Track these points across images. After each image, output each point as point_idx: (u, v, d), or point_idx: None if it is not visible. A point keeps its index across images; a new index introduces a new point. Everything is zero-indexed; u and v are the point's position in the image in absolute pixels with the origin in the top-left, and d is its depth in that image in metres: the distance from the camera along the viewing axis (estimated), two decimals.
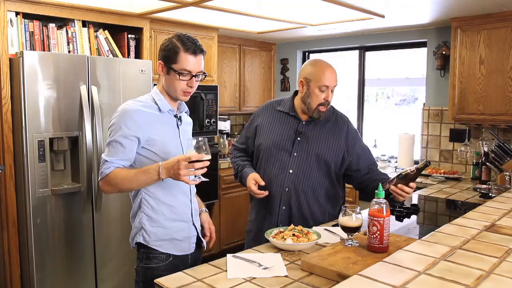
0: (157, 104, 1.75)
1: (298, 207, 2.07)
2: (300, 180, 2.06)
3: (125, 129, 1.66)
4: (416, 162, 3.99)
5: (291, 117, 2.13)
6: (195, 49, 1.70)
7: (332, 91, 2.05)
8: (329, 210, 2.13)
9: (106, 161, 1.68)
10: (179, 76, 1.70)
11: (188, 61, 1.69)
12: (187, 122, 1.92)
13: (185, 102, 1.84)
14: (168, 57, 1.70)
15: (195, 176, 1.62)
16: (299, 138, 2.08)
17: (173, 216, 1.77)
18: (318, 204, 2.09)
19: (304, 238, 1.76)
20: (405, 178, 1.87)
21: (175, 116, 1.81)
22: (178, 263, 1.77)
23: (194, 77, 1.72)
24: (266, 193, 2.03)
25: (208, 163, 1.62)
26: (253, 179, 2.05)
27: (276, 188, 2.07)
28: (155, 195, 1.74)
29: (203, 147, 1.62)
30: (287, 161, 2.07)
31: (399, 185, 1.88)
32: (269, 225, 2.07)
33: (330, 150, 2.08)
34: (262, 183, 2.04)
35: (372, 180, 2.10)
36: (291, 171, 2.06)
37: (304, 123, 2.10)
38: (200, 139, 1.62)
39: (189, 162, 1.57)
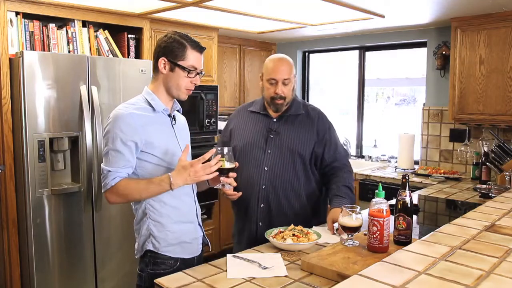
0: (150, 105, 1.71)
1: (277, 203, 2.06)
2: (276, 176, 2.06)
3: (121, 135, 1.61)
4: (416, 162, 4.00)
5: (262, 116, 2.15)
6: (201, 46, 1.73)
7: (285, 84, 2.05)
8: (311, 205, 2.12)
9: (110, 171, 1.62)
10: (188, 73, 1.69)
11: (196, 58, 1.70)
12: (181, 120, 1.90)
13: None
14: (174, 54, 1.67)
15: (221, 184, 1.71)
16: (271, 135, 2.09)
17: (179, 219, 1.75)
18: (298, 198, 2.08)
19: (304, 238, 1.76)
20: (406, 210, 1.63)
21: (169, 115, 1.79)
22: (186, 269, 1.74)
23: (198, 75, 1.73)
24: (239, 194, 1.95)
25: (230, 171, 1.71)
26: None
27: (252, 187, 2.07)
28: (159, 199, 1.70)
29: (223, 153, 1.67)
30: (261, 159, 2.08)
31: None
32: (249, 225, 2.08)
33: (302, 143, 2.08)
34: (234, 184, 1.96)
35: (332, 182, 2.09)
36: (266, 168, 2.07)
37: (275, 120, 2.13)
38: (223, 148, 1.69)
39: (203, 163, 1.61)
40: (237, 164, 1.74)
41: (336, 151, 2.15)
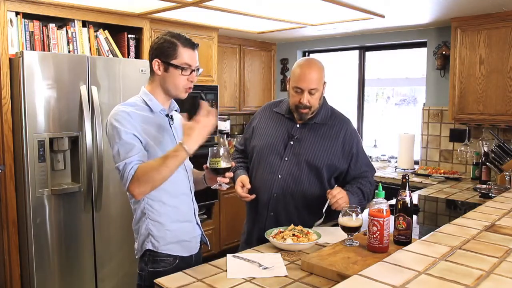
0: (148, 105, 1.71)
1: (286, 214, 2.00)
2: (289, 185, 1.98)
3: (123, 128, 1.60)
4: (416, 162, 4.00)
5: (286, 119, 2.06)
6: (192, 43, 1.71)
7: (311, 94, 1.93)
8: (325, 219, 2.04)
9: (125, 163, 1.56)
10: (182, 71, 1.67)
11: (188, 55, 1.68)
12: (178, 120, 1.89)
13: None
14: (165, 54, 1.67)
15: (218, 184, 1.70)
16: (292, 142, 2.01)
17: (178, 218, 1.75)
18: (309, 211, 2.00)
19: (304, 238, 1.76)
20: (406, 210, 1.62)
21: (167, 115, 1.78)
22: (185, 266, 1.72)
23: (193, 72, 1.71)
24: (251, 197, 1.94)
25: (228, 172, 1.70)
26: (241, 182, 1.99)
27: (264, 193, 2.01)
28: (158, 198, 1.70)
29: (219, 154, 1.66)
30: (277, 165, 2.00)
31: None
32: (258, 230, 2.02)
33: (323, 155, 1.99)
34: (248, 186, 1.97)
35: (350, 183, 2.03)
36: (279, 175, 1.99)
37: (298, 126, 2.03)
38: (219, 148, 1.67)
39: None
40: (233, 163, 1.72)
41: (361, 166, 2.07)
